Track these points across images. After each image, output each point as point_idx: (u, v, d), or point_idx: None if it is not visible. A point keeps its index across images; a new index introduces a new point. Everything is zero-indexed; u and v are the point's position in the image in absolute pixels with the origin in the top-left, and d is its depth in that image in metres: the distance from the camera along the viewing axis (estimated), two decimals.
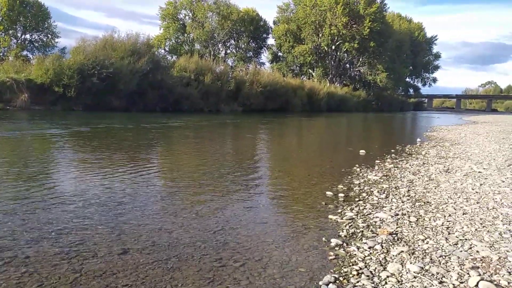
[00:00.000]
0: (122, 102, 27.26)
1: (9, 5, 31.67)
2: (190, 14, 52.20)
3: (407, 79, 78.63)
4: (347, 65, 61.97)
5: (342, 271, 3.79)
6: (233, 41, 55.66)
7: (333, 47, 55.02)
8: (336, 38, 52.89)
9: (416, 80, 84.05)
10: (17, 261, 3.74)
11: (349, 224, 5.18)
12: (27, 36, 35.76)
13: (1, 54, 32.84)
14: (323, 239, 4.66)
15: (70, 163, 9.22)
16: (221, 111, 33.65)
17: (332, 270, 3.82)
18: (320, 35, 53.07)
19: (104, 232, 4.61)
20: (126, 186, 6.85)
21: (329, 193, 6.84)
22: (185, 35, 52.87)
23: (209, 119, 26.10)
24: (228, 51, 56.37)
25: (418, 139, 16.89)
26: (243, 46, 55.58)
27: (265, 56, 61.20)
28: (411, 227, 5.02)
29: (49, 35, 36.32)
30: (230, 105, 35.02)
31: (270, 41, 59.42)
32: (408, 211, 5.69)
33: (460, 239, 4.51)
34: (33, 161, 9.14)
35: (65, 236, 4.44)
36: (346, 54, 57.89)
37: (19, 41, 34.98)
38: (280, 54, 59.67)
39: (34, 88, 24.79)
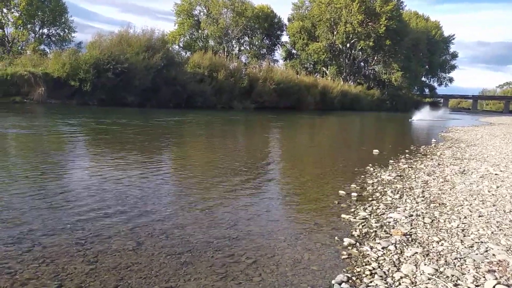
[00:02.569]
0: (136, 98, 27.49)
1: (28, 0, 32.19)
2: (205, 10, 52.32)
3: (423, 79, 77.46)
4: (362, 64, 61.38)
5: (355, 271, 3.77)
6: (247, 37, 55.63)
7: (348, 45, 54.53)
8: (351, 36, 52.38)
9: (432, 79, 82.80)
10: (34, 252, 3.81)
11: (362, 224, 5.14)
12: (45, 30, 36.31)
13: (19, 48, 33.41)
14: (336, 238, 4.64)
15: (85, 157, 9.36)
16: (233, 108, 33.69)
17: (344, 269, 3.81)
18: (335, 32, 52.64)
19: (118, 226, 4.67)
20: (140, 181, 6.92)
21: (342, 192, 6.80)
22: (200, 31, 53.03)
23: (222, 116, 26.17)
24: (242, 48, 56.37)
25: (433, 140, 16.66)
26: (257, 43, 55.51)
27: (278, 54, 61.02)
28: (426, 228, 4.96)
29: (66, 30, 36.80)
30: (243, 102, 35.03)
31: (284, 38, 59.25)
32: (422, 212, 5.62)
33: (476, 242, 4.44)
34: (49, 155, 9.31)
35: (81, 228, 4.51)
36: (360, 52, 57.33)
37: (37, 35, 35.55)
38: (294, 51, 59.42)
39: (50, 82, 25.18)
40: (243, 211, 5.57)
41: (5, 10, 32.78)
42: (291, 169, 9.31)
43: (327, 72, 56.53)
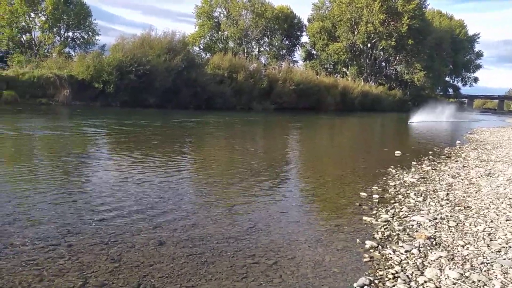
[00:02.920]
0: (157, 99, 27.87)
1: (54, 4, 33.13)
2: (225, 12, 52.65)
3: (447, 79, 75.68)
4: (383, 64, 60.47)
5: (377, 274, 3.71)
6: (266, 38, 55.64)
7: (369, 45, 53.82)
8: (372, 36, 51.68)
9: (456, 79, 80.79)
10: (60, 249, 3.92)
11: (385, 227, 5.06)
12: (70, 33, 37.27)
13: (45, 51, 34.39)
14: (357, 240, 4.59)
15: (107, 158, 9.55)
16: (253, 109, 33.73)
17: (367, 273, 3.76)
18: (356, 32, 52.06)
19: (141, 225, 4.75)
20: (161, 181, 7.02)
21: (363, 194, 6.72)
22: (219, 33, 53.38)
23: (241, 117, 26.25)
24: (262, 49, 56.43)
25: (458, 141, 16.25)
26: (276, 44, 55.46)
27: (298, 54, 60.74)
28: (450, 232, 4.84)
29: (90, 33, 37.65)
30: (262, 103, 35.03)
31: (304, 39, 58.96)
32: (447, 216, 5.49)
33: (504, 247, 4.30)
34: (74, 156, 9.55)
35: (105, 226, 4.60)
36: (382, 52, 56.48)
37: (62, 39, 36.52)
38: (313, 52, 59.06)
39: (75, 84, 25.81)
40: (263, 212, 5.57)
41: (32, 15, 33.83)
42: (311, 170, 9.26)
43: (347, 72, 55.95)
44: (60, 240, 4.14)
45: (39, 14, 34.06)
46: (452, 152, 12.77)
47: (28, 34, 34.30)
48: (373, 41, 53.13)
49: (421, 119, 29.69)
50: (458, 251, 4.20)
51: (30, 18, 33.84)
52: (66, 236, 4.25)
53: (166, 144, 12.17)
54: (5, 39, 32.13)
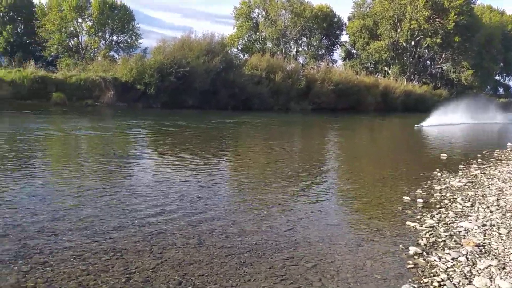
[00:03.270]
0: (196, 100, 28.40)
1: (100, 9, 34.67)
2: (263, 13, 52.78)
3: (497, 77, 71.59)
4: (428, 62, 58.11)
5: (421, 282, 3.56)
6: (305, 38, 55.16)
7: (413, 43, 51.93)
8: (416, 33, 49.81)
9: (507, 78, 76.21)
10: (106, 245, 4.07)
11: (430, 232, 4.85)
12: (114, 37, 38.83)
13: (91, 54, 36.04)
14: (400, 246, 4.43)
15: (148, 158, 9.86)
16: (290, 109, 33.55)
17: (410, 280, 3.61)
18: (399, 30, 50.41)
19: (181, 224, 4.84)
20: (199, 182, 7.13)
21: (406, 197, 6.48)
22: (258, 33, 53.58)
23: (279, 118, 26.20)
24: (300, 49, 56.02)
25: (509, 144, 15.30)
26: (315, 43, 54.84)
27: (337, 54, 59.72)
28: (501, 239, 4.56)
29: (133, 36, 39.04)
30: (300, 104, 34.76)
31: (344, 37, 57.89)
32: (497, 222, 5.18)
33: None
34: (116, 155, 9.93)
35: (147, 225, 4.74)
36: (426, 50, 54.29)
37: (107, 42, 38.12)
38: (353, 51, 57.85)
39: (119, 86, 26.83)
40: (301, 214, 5.51)
41: (79, 20, 35.57)
42: (350, 172, 9.06)
43: (389, 71, 54.32)
44: (105, 236, 4.31)
45: (86, 19, 35.73)
46: (503, 155, 12.05)
47: (75, 38, 36.08)
48: (417, 38, 51.22)
49: (432, 122, 23.56)
50: (510, 260, 3.95)
51: (78, 23, 35.57)
52: (111, 232, 4.42)
53: (204, 144, 12.36)
54: (55, 44, 33.97)
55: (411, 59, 54.93)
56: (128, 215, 5.06)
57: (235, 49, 51.58)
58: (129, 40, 38.79)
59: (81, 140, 12.08)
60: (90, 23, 35.64)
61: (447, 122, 25.46)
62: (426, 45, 52.29)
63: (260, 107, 31.46)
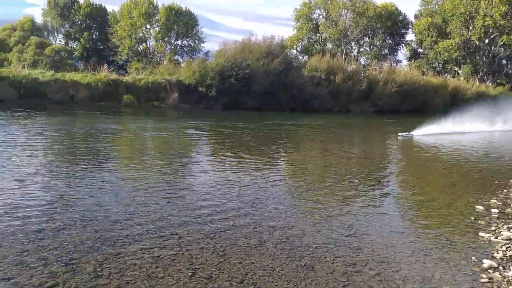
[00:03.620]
0: (255, 102, 28.79)
1: (167, 15, 36.47)
2: (324, 13, 52.09)
3: None
4: (503, 61, 53.65)
5: None
6: (367, 38, 53.50)
7: (486, 41, 48.18)
8: (490, 31, 46.14)
9: None
10: (172, 240, 4.27)
11: (506, 245, 4.48)
12: (179, 42, 40.58)
13: (158, 58, 37.98)
14: (473, 258, 4.13)
15: (210, 158, 10.16)
16: (351, 111, 32.70)
17: None
18: (471, 27, 47.07)
19: (242, 224, 4.93)
20: (259, 182, 7.21)
21: (479, 207, 6.03)
22: (318, 34, 52.97)
23: (339, 119, 25.67)
24: (361, 49, 54.41)
25: None
26: (378, 43, 52.96)
27: (402, 53, 57.11)
28: None
29: (196, 41, 40.53)
30: (360, 105, 33.75)
31: (409, 36, 55.25)
32: None
33: None
34: (179, 155, 10.36)
35: (210, 223, 4.89)
36: (502, 49, 50.08)
37: (172, 47, 39.95)
38: (420, 50, 55.02)
39: (182, 88, 28.02)
40: (363, 220, 5.36)
41: (148, 26, 37.67)
42: (415, 178, 8.63)
43: (459, 72, 50.91)
44: (171, 232, 4.52)
45: (154, 25, 37.73)
46: None
47: (144, 43, 38.25)
48: (491, 36, 47.45)
49: (420, 132, 17.97)
50: None
51: (146, 29, 37.67)
52: (176, 228, 4.63)
53: (263, 146, 12.47)
54: (126, 49, 36.26)
55: (484, 58, 50.98)
56: (191, 213, 5.25)
57: (295, 51, 51.40)
58: (192, 44, 40.29)
59: (146, 140, 12.78)
60: (157, 29, 37.57)
61: (437, 131, 18.75)
62: (502, 43, 48.24)
63: (319, 108, 31.06)
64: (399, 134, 16.73)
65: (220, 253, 4.01)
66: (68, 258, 3.70)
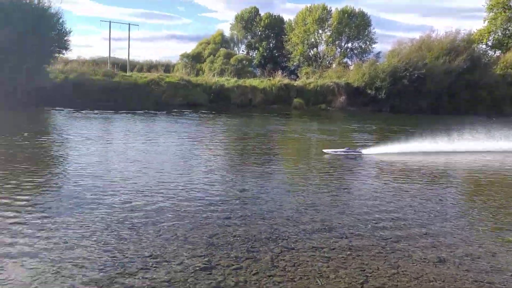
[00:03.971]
0: (429, 104, 26.29)
1: (339, 19, 36.70)
2: None
3: None
4: None
5: None
6: None
7: None
8: None
9: None
10: (342, 243, 4.31)
11: None
12: (349, 44, 40.29)
13: (327, 62, 38.56)
14: None
15: (374, 162, 9.76)
16: None
17: None
18: None
19: (416, 236, 4.60)
20: (438, 194, 6.56)
21: None
22: None
23: None
24: None
25: None
26: None
27: None
28: None
29: (367, 42, 39.50)
30: None
31: None
32: None
33: None
34: (340, 158, 10.28)
35: (380, 230, 4.73)
36: None
37: (342, 50, 39.96)
38: None
39: (350, 90, 27.79)
40: None
41: (320, 31, 38.66)
42: None
43: None
44: (341, 234, 4.55)
45: (326, 30, 38.48)
46: None
47: (315, 48, 39.44)
48: None
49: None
50: None
51: (318, 34, 38.73)
52: (346, 232, 4.64)
53: (431, 153, 11.25)
54: (298, 55, 38.08)
55: None
56: (361, 218, 5.18)
57: (484, 46, 44.67)
58: (363, 46, 39.48)
59: (310, 142, 13.15)
60: (329, 33, 38.21)
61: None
62: None
63: None
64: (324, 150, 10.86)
65: (393, 263, 3.83)
66: (250, 246, 4.14)
